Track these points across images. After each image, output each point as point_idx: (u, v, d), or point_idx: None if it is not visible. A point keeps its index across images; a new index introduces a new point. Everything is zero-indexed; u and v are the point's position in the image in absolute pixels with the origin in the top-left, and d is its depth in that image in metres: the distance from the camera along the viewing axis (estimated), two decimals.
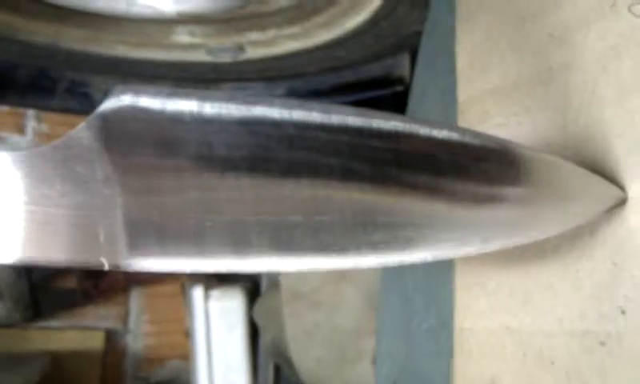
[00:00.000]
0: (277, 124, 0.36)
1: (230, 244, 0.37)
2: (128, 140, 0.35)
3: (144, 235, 0.35)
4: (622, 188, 0.44)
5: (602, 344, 0.43)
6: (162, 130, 0.35)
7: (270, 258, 0.38)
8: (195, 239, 0.36)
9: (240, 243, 0.37)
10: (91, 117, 0.34)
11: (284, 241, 0.38)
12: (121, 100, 0.35)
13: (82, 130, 0.34)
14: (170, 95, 0.35)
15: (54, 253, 0.34)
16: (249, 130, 0.36)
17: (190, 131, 0.35)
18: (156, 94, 0.35)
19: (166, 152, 0.35)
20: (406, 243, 0.40)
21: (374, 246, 0.39)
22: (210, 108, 0.36)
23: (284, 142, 0.37)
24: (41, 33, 1.07)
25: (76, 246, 0.34)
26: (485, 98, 0.56)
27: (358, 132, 0.38)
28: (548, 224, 0.43)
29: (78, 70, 1.18)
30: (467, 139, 0.40)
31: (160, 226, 0.35)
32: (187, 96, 0.36)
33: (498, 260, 0.52)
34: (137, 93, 0.35)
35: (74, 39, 1.10)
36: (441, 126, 0.40)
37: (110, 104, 0.34)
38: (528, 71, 0.52)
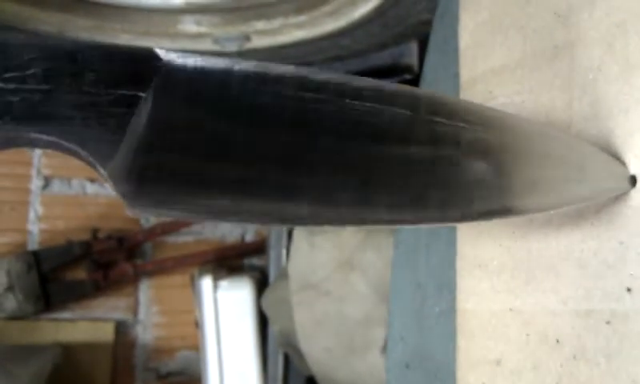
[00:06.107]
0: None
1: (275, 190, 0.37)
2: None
3: None
4: (627, 166, 0.43)
5: (608, 323, 0.43)
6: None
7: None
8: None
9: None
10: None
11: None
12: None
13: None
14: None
15: None
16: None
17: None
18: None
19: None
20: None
21: None
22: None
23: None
24: (47, 22, 1.07)
25: None
26: (488, 77, 0.55)
27: None
28: (549, 197, 0.42)
29: None
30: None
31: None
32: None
33: (501, 240, 0.51)
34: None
35: (80, 28, 1.10)
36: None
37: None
38: (532, 50, 0.52)
